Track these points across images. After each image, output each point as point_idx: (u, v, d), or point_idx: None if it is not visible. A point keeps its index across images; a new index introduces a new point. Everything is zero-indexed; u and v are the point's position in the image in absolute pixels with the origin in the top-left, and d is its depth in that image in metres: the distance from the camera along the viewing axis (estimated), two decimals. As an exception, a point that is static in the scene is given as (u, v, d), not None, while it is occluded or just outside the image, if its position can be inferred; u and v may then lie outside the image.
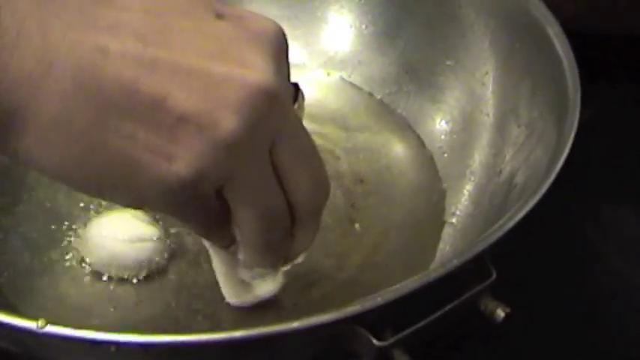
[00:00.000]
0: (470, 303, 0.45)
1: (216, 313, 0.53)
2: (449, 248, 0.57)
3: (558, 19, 0.57)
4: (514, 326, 0.45)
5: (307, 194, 0.43)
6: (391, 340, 0.42)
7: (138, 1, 0.39)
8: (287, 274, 0.51)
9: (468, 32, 0.63)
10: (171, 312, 0.53)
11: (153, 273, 0.54)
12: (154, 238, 0.54)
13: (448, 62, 0.64)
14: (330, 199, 0.45)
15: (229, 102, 0.38)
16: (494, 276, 0.45)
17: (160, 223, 0.55)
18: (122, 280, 0.54)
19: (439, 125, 0.64)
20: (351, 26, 0.69)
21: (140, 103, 0.37)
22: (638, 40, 0.71)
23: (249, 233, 0.43)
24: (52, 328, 0.39)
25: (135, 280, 0.54)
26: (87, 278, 0.55)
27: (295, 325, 0.40)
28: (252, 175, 0.40)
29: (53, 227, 0.57)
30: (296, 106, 0.44)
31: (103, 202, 0.58)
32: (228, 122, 0.38)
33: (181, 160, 0.38)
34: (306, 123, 0.43)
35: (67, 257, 0.56)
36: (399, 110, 0.66)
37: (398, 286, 0.42)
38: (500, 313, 0.45)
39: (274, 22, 0.41)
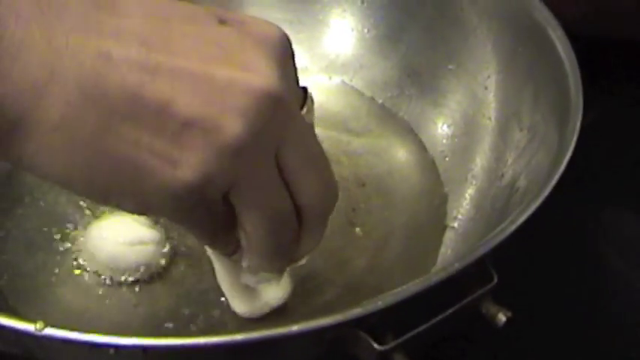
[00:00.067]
0: (471, 307, 0.45)
1: (217, 315, 0.53)
2: (450, 252, 0.57)
3: (561, 23, 0.57)
4: (515, 330, 0.45)
5: (314, 198, 0.43)
6: (392, 344, 0.42)
7: (140, 8, 0.39)
8: (294, 279, 0.51)
9: (470, 36, 0.63)
10: (171, 315, 0.53)
11: (153, 276, 0.54)
12: (154, 241, 0.54)
13: (450, 66, 0.64)
14: (331, 203, 0.45)
15: (234, 106, 0.38)
16: (495, 280, 0.45)
17: (161, 226, 0.55)
18: (122, 283, 0.54)
19: (441, 129, 0.64)
20: (353, 30, 0.69)
21: (144, 108, 0.37)
22: (640, 44, 0.71)
23: (256, 238, 0.43)
24: (50, 331, 0.39)
25: (135, 283, 0.54)
26: (87, 281, 0.55)
27: (296, 328, 0.40)
28: (259, 179, 0.40)
29: (54, 230, 0.57)
30: (305, 110, 0.44)
31: (104, 205, 0.58)
32: (233, 127, 0.38)
33: (187, 165, 0.38)
34: (308, 127, 0.43)
35: (68, 260, 0.56)
36: (400, 114, 0.66)
37: (399, 289, 0.42)
38: (502, 318, 0.45)
39: (278, 28, 0.41)
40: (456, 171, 0.61)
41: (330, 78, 0.69)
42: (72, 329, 0.39)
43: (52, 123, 0.37)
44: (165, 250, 0.55)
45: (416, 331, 0.43)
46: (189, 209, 0.40)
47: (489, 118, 0.61)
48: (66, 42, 0.37)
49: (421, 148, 0.64)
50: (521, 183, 0.55)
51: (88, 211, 0.58)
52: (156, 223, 0.55)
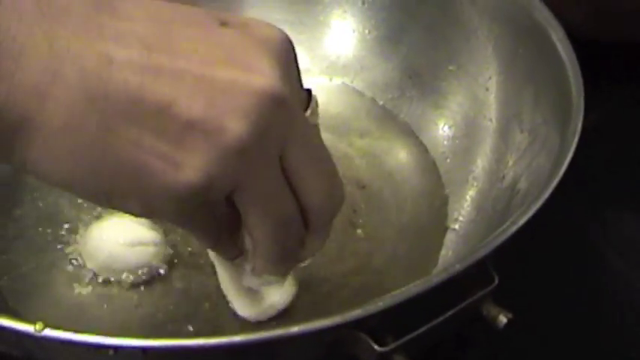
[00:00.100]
0: (472, 308, 0.45)
1: (217, 317, 0.53)
2: (451, 254, 0.57)
3: (562, 24, 0.57)
4: (516, 332, 0.45)
5: (320, 199, 0.42)
6: (392, 345, 0.42)
7: (142, 11, 0.39)
8: (298, 280, 0.51)
9: (471, 37, 0.63)
10: (171, 316, 0.53)
11: (153, 277, 0.54)
12: (155, 242, 0.54)
13: (451, 67, 0.64)
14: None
15: (235, 107, 0.38)
16: (496, 281, 0.44)
17: (161, 227, 0.55)
18: (122, 284, 0.54)
19: (442, 130, 0.64)
20: (354, 31, 0.69)
21: (146, 110, 0.37)
22: (641, 46, 0.71)
23: (262, 240, 0.43)
24: (49, 332, 0.39)
25: (135, 284, 0.54)
26: (87, 281, 0.54)
27: (296, 329, 0.40)
28: (262, 180, 0.40)
29: (54, 230, 0.57)
30: (309, 112, 0.44)
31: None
32: (235, 128, 0.38)
33: (189, 167, 0.38)
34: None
35: (68, 261, 0.56)
36: (401, 115, 0.66)
37: (399, 291, 0.42)
38: (503, 319, 0.45)
39: (279, 30, 0.41)
40: (457, 172, 0.61)
41: (330, 79, 0.69)
42: (71, 330, 0.39)
43: (55, 125, 0.37)
44: (166, 251, 0.55)
45: (416, 332, 0.43)
46: (193, 212, 0.40)
47: (490, 120, 0.61)
48: (68, 45, 0.37)
49: (422, 149, 0.64)
50: (522, 184, 0.54)
51: (88, 212, 0.58)
52: (156, 224, 0.55)
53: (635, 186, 0.65)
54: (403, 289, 0.42)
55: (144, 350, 0.39)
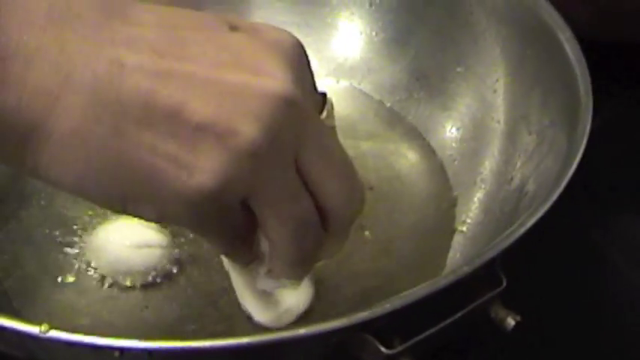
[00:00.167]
0: (480, 311, 0.44)
1: (224, 319, 0.53)
2: (459, 256, 0.57)
3: (570, 25, 0.57)
4: (524, 334, 0.45)
5: (339, 202, 0.42)
6: (399, 348, 0.42)
7: (152, 16, 0.39)
8: (314, 282, 0.51)
9: (479, 39, 0.63)
10: (178, 318, 0.53)
11: (160, 279, 0.54)
12: (162, 245, 0.54)
13: (459, 69, 0.64)
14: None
15: (247, 110, 0.38)
16: (504, 284, 0.44)
17: (168, 229, 0.55)
18: (128, 286, 0.54)
19: (449, 132, 0.64)
20: (361, 33, 0.69)
21: (157, 114, 0.37)
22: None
23: (280, 244, 0.42)
24: (55, 333, 0.39)
25: (142, 286, 0.54)
26: (93, 283, 0.54)
27: (302, 332, 0.40)
28: (277, 183, 0.40)
29: (60, 232, 0.57)
30: (325, 114, 0.44)
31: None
32: (247, 131, 0.38)
33: (202, 171, 0.38)
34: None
35: (74, 262, 0.56)
36: (409, 118, 0.66)
37: (407, 293, 0.42)
38: (511, 322, 0.44)
39: (290, 34, 0.41)
40: (465, 174, 0.61)
41: (338, 81, 0.68)
42: (75, 332, 0.39)
43: (66, 130, 0.37)
44: (173, 253, 0.55)
45: (424, 334, 0.42)
46: (207, 216, 0.40)
47: (498, 122, 0.61)
48: (79, 50, 0.37)
49: (430, 151, 0.64)
50: (530, 187, 0.54)
51: (94, 214, 0.58)
52: (164, 226, 0.55)
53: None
54: (410, 291, 0.42)
55: (150, 352, 0.39)
